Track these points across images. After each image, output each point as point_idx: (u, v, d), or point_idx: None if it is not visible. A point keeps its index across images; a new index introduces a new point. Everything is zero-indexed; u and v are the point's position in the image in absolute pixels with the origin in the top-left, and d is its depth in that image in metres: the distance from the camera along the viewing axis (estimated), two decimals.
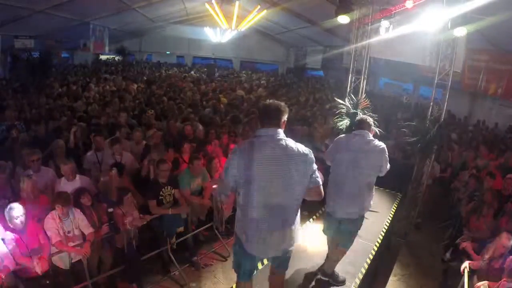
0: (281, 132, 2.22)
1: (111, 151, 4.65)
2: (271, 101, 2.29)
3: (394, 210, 5.12)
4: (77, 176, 3.97)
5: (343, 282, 3.36)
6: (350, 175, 3.01)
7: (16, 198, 3.53)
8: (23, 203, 3.21)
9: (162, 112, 7.65)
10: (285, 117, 2.25)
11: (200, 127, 6.26)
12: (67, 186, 3.82)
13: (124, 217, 3.65)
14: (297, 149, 2.20)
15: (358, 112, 5.75)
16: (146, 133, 5.69)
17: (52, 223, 3.28)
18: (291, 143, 2.21)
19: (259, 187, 2.15)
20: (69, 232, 3.38)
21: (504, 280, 3.09)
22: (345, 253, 3.30)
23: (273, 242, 2.26)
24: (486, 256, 3.52)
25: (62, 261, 3.38)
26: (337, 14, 5.74)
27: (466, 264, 3.63)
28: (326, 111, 8.86)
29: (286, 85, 16.20)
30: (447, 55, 5.31)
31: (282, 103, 2.27)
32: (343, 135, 3.43)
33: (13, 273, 3.00)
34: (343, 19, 5.70)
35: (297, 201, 2.27)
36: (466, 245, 4.01)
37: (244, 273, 2.45)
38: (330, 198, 3.11)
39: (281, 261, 2.50)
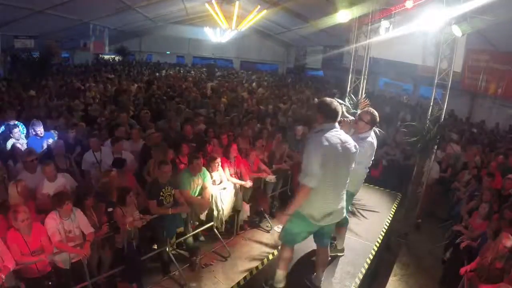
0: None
1: (111, 150, 4.65)
2: (329, 99, 2.68)
3: (394, 210, 5.12)
4: (58, 176, 3.91)
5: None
6: None
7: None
8: (23, 206, 3.15)
9: (161, 112, 7.64)
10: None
11: (201, 126, 6.27)
12: (49, 187, 3.76)
13: (124, 217, 3.65)
14: (351, 142, 2.68)
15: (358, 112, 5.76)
16: (145, 133, 5.69)
17: (52, 223, 3.28)
18: (348, 136, 2.70)
19: (333, 171, 2.57)
20: (69, 231, 3.38)
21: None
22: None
23: (333, 214, 2.73)
24: (488, 257, 3.52)
25: (62, 261, 3.38)
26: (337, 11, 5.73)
27: (465, 268, 3.63)
28: None
29: (286, 85, 16.19)
30: (447, 55, 5.32)
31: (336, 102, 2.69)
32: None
33: (13, 273, 2.99)
34: (343, 16, 5.68)
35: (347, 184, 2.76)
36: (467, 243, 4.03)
37: (293, 239, 2.90)
38: None
39: (327, 237, 3.01)
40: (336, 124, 2.63)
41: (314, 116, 2.74)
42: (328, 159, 2.51)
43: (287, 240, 2.94)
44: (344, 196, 2.81)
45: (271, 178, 5.26)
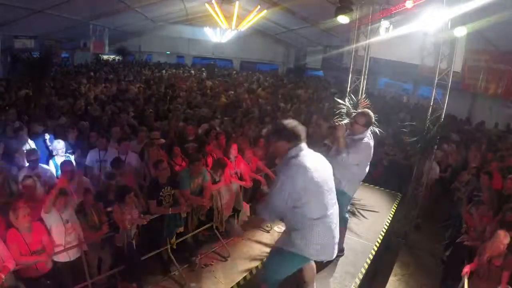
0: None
1: (116, 150, 4.68)
2: (284, 121, 2.40)
3: (394, 210, 5.13)
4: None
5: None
6: None
7: (14, 198, 3.55)
8: (23, 203, 3.20)
9: (162, 112, 7.65)
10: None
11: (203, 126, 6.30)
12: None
13: (123, 215, 3.65)
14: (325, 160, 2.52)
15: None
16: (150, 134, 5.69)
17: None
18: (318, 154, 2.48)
19: (324, 193, 2.33)
20: (67, 221, 3.39)
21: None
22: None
23: (336, 240, 2.45)
24: (485, 256, 3.53)
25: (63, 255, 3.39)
26: (336, 14, 5.76)
27: (467, 269, 3.63)
28: (326, 110, 8.86)
29: (285, 85, 16.18)
30: (447, 55, 5.32)
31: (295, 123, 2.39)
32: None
33: (13, 273, 2.99)
34: (343, 19, 5.71)
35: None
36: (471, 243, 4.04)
37: (279, 282, 2.58)
38: None
39: None
40: (304, 145, 2.34)
41: (274, 146, 2.36)
42: (312, 187, 2.24)
43: (272, 283, 2.62)
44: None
45: (264, 188, 5.29)
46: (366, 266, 3.68)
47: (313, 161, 2.30)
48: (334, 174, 2.51)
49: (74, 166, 4.26)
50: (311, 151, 2.39)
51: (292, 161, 2.25)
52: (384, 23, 5.72)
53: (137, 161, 4.77)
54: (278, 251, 2.54)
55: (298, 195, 2.23)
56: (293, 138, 2.30)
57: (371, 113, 3.38)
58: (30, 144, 4.84)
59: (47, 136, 5.13)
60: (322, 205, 2.32)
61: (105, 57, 20.24)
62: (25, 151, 4.39)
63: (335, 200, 2.45)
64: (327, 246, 2.41)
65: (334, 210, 2.42)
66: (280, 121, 2.41)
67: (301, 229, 2.32)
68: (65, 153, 4.66)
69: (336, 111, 6.12)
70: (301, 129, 2.34)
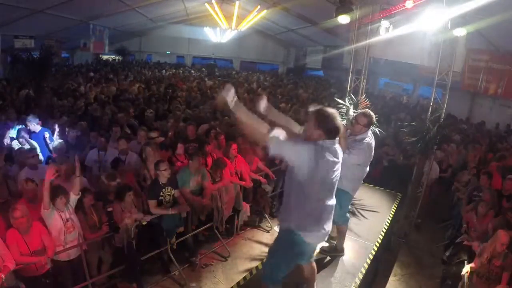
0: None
1: (116, 150, 4.69)
2: (329, 110, 2.27)
3: (394, 210, 5.13)
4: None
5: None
6: None
7: (13, 198, 3.55)
8: (21, 204, 3.18)
9: (162, 112, 7.64)
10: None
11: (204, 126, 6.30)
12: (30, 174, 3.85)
13: (123, 213, 3.66)
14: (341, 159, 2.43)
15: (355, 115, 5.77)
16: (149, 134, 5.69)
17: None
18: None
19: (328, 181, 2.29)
20: (67, 220, 3.39)
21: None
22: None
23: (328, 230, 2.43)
24: (485, 256, 3.53)
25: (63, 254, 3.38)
26: (337, 14, 5.75)
27: (467, 269, 3.63)
28: None
29: (285, 85, 16.18)
30: (447, 55, 5.32)
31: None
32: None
33: (13, 273, 2.99)
34: (343, 19, 5.71)
35: None
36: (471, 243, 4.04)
37: (281, 278, 2.52)
38: None
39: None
40: (336, 140, 2.28)
41: (311, 131, 2.25)
42: (322, 183, 2.24)
43: (273, 282, 2.55)
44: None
45: (266, 186, 5.28)
46: (366, 266, 3.67)
47: (336, 160, 2.26)
48: None
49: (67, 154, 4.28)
50: (339, 148, 2.34)
51: (319, 150, 2.17)
52: (384, 23, 5.72)
53: (137, 161, 4.77)
54: (275, 247, 2.56)
55: (304, 172, 2.16)
56: (331, 133, 2.21)
57: (372, 113, 3.40)
58: (30, 143, 4.86)
59: (47, 135, 5.14)
60: (323, 194, 2.32)
61: (105, 57, 20.23)
62: (25, 151, 4.40)
63: (334, 198, 2.43)
64: (320, 231, 2.38)
65: (332, 200, 2.41)
66: (325, 110, 2.26)
67: (302, 205, 2.28)
68: (65, 152, 4.68)
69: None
70: (342, 126, 2.27)
